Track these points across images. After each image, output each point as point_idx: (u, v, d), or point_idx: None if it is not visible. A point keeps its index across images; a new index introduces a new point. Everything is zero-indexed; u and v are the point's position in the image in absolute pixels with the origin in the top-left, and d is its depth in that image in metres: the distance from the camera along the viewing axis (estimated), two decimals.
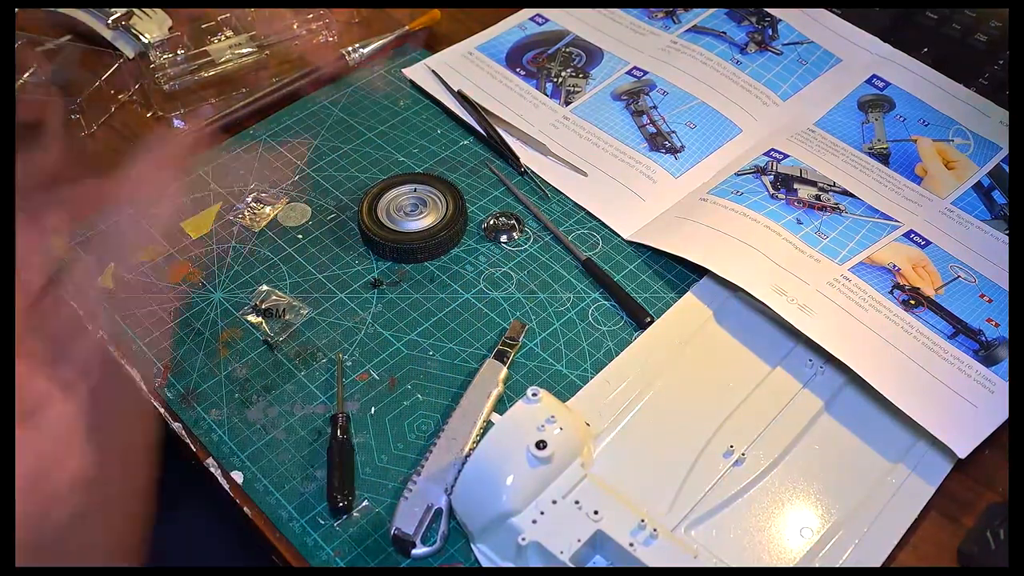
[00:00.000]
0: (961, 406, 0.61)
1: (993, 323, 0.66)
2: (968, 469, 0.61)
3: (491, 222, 0.75)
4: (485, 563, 0.56)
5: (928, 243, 0.71)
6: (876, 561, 0.56)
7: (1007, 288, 0.68)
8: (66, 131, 0.84)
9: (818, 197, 0.74)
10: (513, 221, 0.75)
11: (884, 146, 0.79)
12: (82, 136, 0.85)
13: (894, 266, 0.69)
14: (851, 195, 0.74)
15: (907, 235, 0.71)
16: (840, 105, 0.82)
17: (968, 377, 0.62)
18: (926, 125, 0.80)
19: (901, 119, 0.80)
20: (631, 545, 0.53)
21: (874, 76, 0.84)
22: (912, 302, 0.66)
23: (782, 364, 0.66)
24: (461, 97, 0.85)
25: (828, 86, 0.84)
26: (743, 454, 0.61)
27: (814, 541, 0.57)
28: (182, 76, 0.88)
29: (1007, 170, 0.76)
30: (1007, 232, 0.72)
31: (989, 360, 0.63)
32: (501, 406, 0.64)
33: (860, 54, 0.86)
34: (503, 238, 0.73)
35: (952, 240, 0.71)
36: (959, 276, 0.69)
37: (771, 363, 0.66)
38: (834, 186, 0.75)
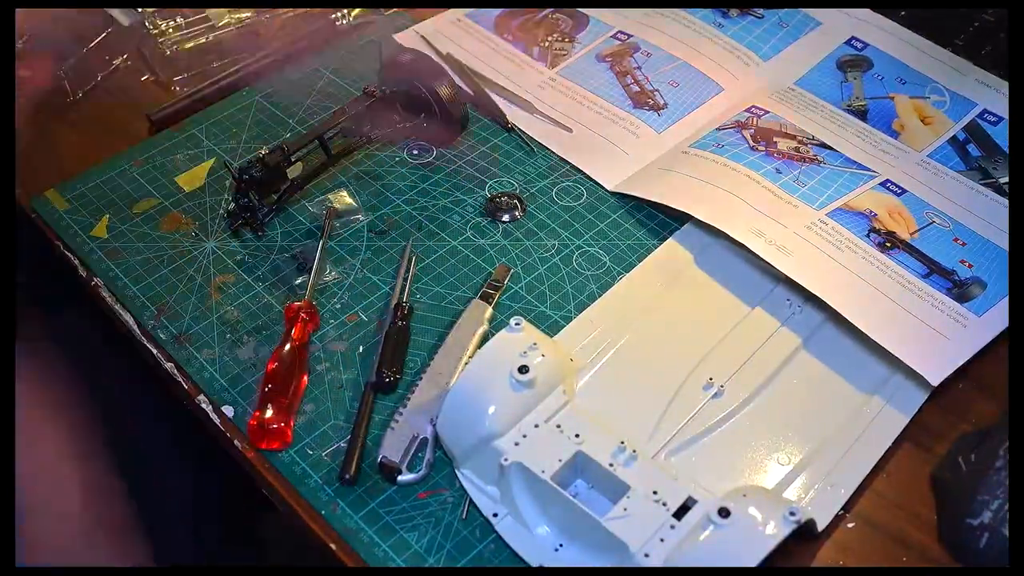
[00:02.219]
0: (935, 339, 0.63)
1: (967, 264, 0.67)
2: (941, 402, 0.63)
3: (493, 202, 0.75)
4: (468, 487, 0.57)
5: (904, 192, 0.73)
6: (851, 486, 0.58)
7: (982, 233, 0.70)
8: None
9: (797, 149, 0.75)
10: (515, 201, 0.75)
11: (862, 103, 0.80)
12: (68, 101, 0.86)
13: (870, 212, 0.70)
14: (829, 148, 0.76)
15: (883, 184, 0.73)
16: (819, 65, 0.85)
17: (942, 313, 0.64)
18: (903, 83, 0.82)
19: (879, 77, 0.83)
20: (611, 465, 0.55)
21: (853, 38, 0.86)
22: (888, 244, 0.68)
23: (761, 304, 0.67)
24: (450, 60, 0.87)
25: (808, 48, 0.86)
26: (722, 387, 0.62)
27: (790, 468, 0.59)
28: (184, 41, 0.90)
29: (982, 126, 0.78)
30: (982, 182, 0.74)
31: (962, 297, 0.65)
32: (486, 343, 0.65)
33: (839, 17, 0.88)
34: (505, 217, 0.74)
35: (928, 189, 0.73)
36: (934, 222, 0.71)
37: (751, 303, 0.68)
38: (813, 139, 0.76)
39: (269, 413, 0.60)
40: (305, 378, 0.64)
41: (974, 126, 0.78)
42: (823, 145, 0.76)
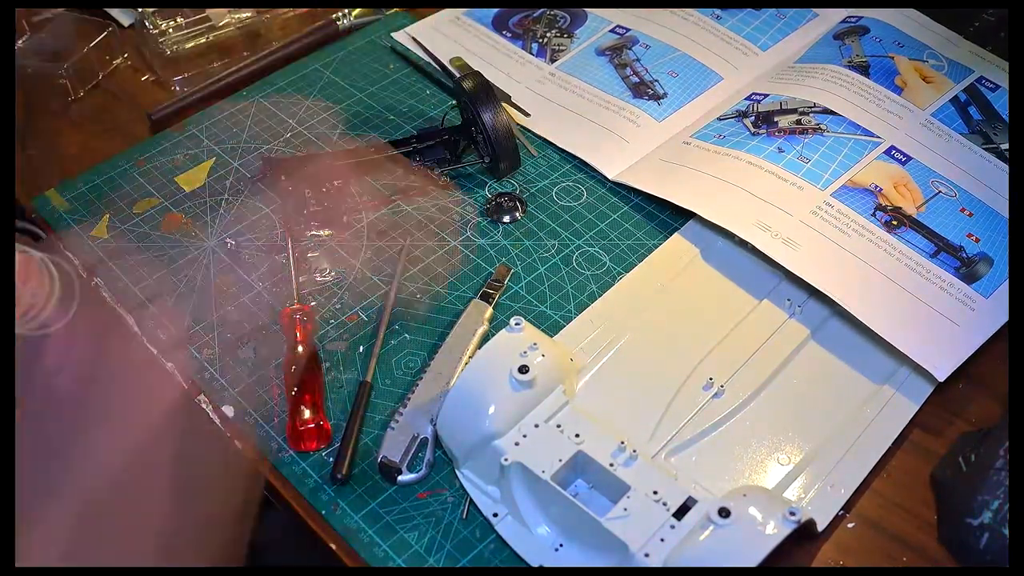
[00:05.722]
0: (943, 326, 0.63)
1: (973, 238, 0.68)
2: (941, 401, 0.62)
3: (494, 203, 0.75)
4: (469, 487, 0.57)
5: (909, 159, 0.72)
6: (851, 486, 0.58)
7: (987, 202, 0.71)
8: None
9: (798, 122, 0.75)
10: (516, 202, 0.75)
11: (863, 59, 0.81)
12: (68, 100, 0.87)
13: (876, 187, 0.70)
14: (832, 112, 0.75)
15: (888, 152, 0.73)
16: (818, 43, 0.85)
17: (950, 296, 0.64)
18: (901, 46, 0.82)
19: (877, 40, 0.83)
20: (611, 465, 0.55)
21: (849, 16, 0.87)
22: (894, 223, 0.68)
23: (769, 297, 0.67)
24: (453, 65, 0.87)
25: (806, 37, 0.87)
26: (722, 387, 0.62)
27: (790, 468, 0.59)
28: (184, 41, 0.90)
29: (981, 90, 0.79)
30: (984, 146, 0.74)
31: (970, 277, 0.65)
32: (486, 343, 0.65)
33: (836, 10, 0.89)
34: (506, 218, 0.74)
35: (932, 154, 0.73)
36: (940, 192, 0.70)
37: (757, 296, 0.67)
38: (814, 107, 0.76)
39: (307, 414, 0.60)
40: (322, 374, 0.64)
41: (973, 89, 0.78)
42: (826, 111, 0.75)
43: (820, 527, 0.56)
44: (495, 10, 0.91)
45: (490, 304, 0.67)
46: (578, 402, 0.59)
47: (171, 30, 0.89)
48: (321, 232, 0.73)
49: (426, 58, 0.88)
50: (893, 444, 0.60)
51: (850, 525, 0.57)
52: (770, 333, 0.65)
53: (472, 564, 0.56)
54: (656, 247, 0.72)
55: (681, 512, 0.53)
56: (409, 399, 0.61)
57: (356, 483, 0.59)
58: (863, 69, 0.79)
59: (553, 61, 0.86)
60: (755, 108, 0.78)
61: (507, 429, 0.56)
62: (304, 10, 0.93)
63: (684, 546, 0.51)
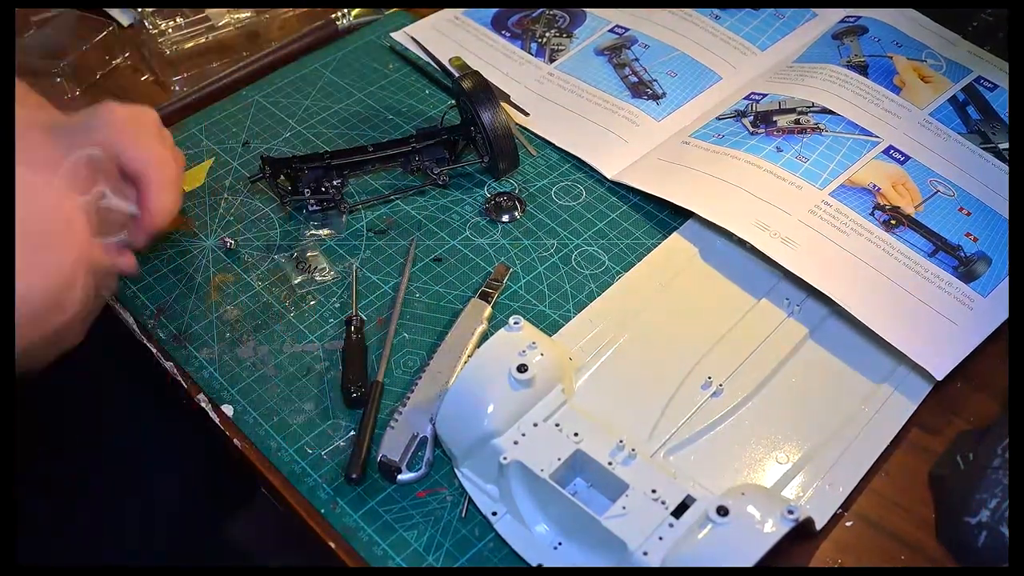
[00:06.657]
0: (941, 325, 0.63)
1: (972, 238, 0.68)
2: (939, 400, 0.63)
3: (493, 202, 0.75)
4: (468, 486, 0.58)
5: (907, 158, 0.73)
6: (849, 484, 0.58)
7: (985, 201, 0.71)
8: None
9: (797, 121, 0.75)
10: (515, 202, 0.75)
11: (861, 59, 0.81)
12: (66, 99, 0.87)
13: (874, 186, 0.70)
14: (831, 112, 0.76)
15: (886, 151, 0.73)
16: (816, 42, 0.85)
17: (948, 295, 0.64)
18: (899, 46, 0.82)
19: (876, 39, 0.83)
20: (610, 464, 0.55)
21: (848, 16, 0.87)
22: (893, 222, 0.68)
23: (767, 296, 0.67)
24: (452, 64, 0.87)
25: (805, 36, 0.87)
26: (720, 386, 0.62)
27: (788, 466, 0.59)
28: (183, 41, 0.90)
29: (979, 90, 0.79)
30: (982, 146, 0.74)
31: (968, 276, 0.66)
32: (485, 342, 0.65)
33: (835, 10, 0.89)
34: (505, 217, 0.74)
35: (931, 153, 0.73)
36: (938, 191, 0.71)
37: (756, 295, 0.68)
38: (813, 107, 0.76)
39: None
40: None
41: (972, 89, 0.79)
42: (824, 111, 0.76)
43: (818, 526, 0.56)
44: (494, 10, 0.92)
45: (489, 303, 0.67)
46: (577, 401, 0.60)
47: (171, 30, 0.89)
48: (321, 232, 0.73)
49: (425, 58, 0.89)
50: (891, 443, 0.60)
51: (848, 524, 0.57)
52: (769, 332, 0.65)
53: (471, 563, 0.56)
54: (655, 246, 0.72)
55: (679, 511, 0.53)
56: (408, 398, 0.62)
57: (361, 482, 0.59)
58: (862, 69, 0.79)
59: (552, 61, 0.86)
60: (754, 107, 0.78)
61: (506, 428, 0.56)
62: (303, 10, 0.94)
63: (682, 544, 0.51)
